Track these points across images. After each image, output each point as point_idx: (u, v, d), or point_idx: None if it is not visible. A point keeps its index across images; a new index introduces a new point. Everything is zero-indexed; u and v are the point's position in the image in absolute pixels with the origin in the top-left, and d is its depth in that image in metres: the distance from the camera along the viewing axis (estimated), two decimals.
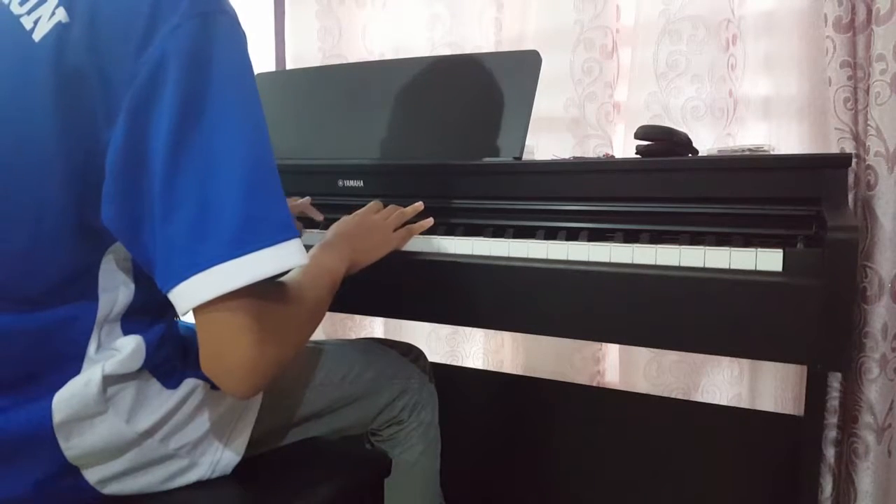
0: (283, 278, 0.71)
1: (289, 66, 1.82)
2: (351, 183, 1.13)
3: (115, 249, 0.66)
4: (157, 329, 0.71)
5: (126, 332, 0.69)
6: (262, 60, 1.89)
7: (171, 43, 0.58)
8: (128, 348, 0.67)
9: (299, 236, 0.62)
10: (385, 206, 1.00)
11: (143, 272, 0.63)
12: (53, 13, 0.60)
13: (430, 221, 1.00)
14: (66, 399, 0.65)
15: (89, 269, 0.66)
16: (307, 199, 1.12)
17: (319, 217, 1.11)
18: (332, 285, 0.78)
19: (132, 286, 0.69)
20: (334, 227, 0.91)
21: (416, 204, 1.01)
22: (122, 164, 0.59)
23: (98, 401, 0.66)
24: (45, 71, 0.59)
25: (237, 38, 0.63)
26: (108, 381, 0.66)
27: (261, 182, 0.61)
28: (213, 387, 0.77)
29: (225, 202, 0.58)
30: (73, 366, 0.66)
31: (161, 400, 0.72)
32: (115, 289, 0.67)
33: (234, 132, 0.60)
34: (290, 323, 0.66)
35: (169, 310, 0.72)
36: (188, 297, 0.58)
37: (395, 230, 0.96)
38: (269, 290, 0.64)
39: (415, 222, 0.99)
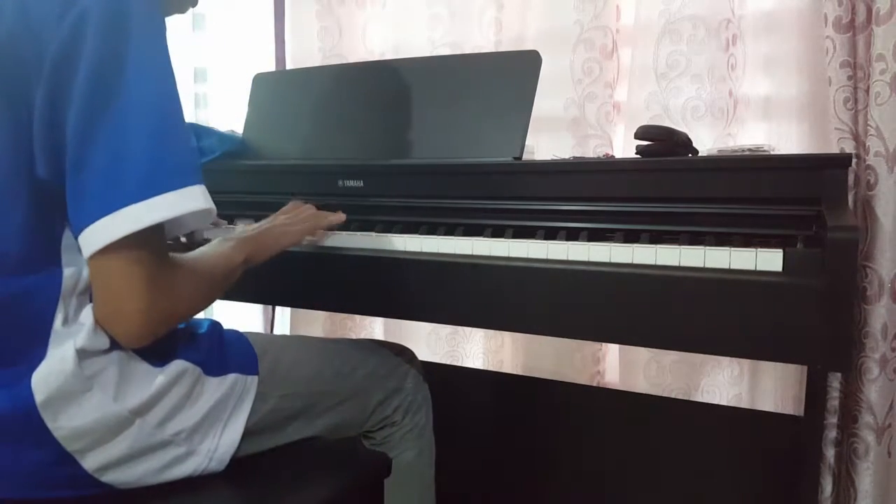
0: (182, 254, 0.77)
1: (289, 66, 1.82)
2: (351, 183, 1.13)
3: None
4: None
5: None
6: (262, 60, 1.89)
7: (92, 3, 0.62)
8: (88, 320, 0.68)
9: (203, 184, 0.67)
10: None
11: None
12: None
13: (341, 217, 1.04)
14: (45, 377, 0.67)
15: (51, 239, 0.68)
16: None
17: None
18: (225, 268, 0.81)
19: None
20: (242, 227, 0.96)
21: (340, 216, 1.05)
22: (46, 118, 0.63)
23: (78, 377, 0.67)
24: None
25: (154, 2, 0.67)
26: (83, 355, 0.67)
27: (168, 132, 0.66)
28: (207, 372, 0.79)
29: (134, 151, 0.63)
30: (40, 341, 0.68)
31: (148, 378, 0.73)
32: (79, 261, 0.69)
33: (146, 88, 0.65)
34: (181, 286, 0.71)
35: None
36: (98, 236, 0.62)
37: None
38: (166, 252, 0.69)
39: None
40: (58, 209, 0.67)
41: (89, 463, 0.71)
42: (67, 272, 0.69)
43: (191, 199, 0.65)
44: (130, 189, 0.63)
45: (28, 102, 0.64)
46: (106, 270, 0.65)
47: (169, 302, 0.68)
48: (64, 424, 0.68)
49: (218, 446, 0.79)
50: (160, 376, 0.74)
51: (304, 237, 1.00)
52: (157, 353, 0.74)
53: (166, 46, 0.68)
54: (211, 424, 0.79)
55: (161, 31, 0.68)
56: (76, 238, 0.64)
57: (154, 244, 0.66)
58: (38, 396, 0.66)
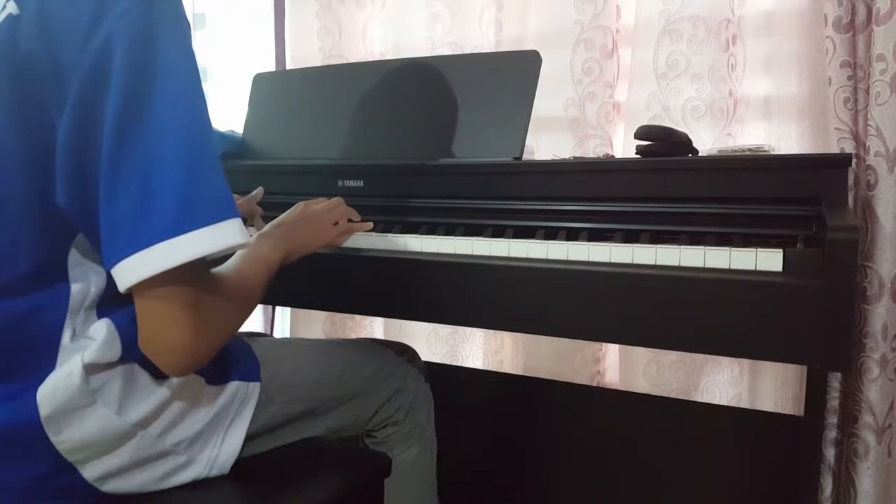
0: (221, 266, 0.74)
1: (289, 66, 1.82)
2: (351, 183, 1.13)
3: (82, 237, 0.67)
4: (129, 313, 0.70)
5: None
6: (262, 60, 1.89)
7: (118, 29, 0.60)
8: (101, 334, 0.68)
9: (239, 217, 0.64)
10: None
11: None
12: (4, 7, 0.62)
13: (369, 224, 1.04)
14: (51, 392, 0.66)
15: (58, 258, 0.67)
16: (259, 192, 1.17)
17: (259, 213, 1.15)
18: (267, 274, 0.80)
19: (103, 274, 0.69)
20: (276, 220, 0.93)
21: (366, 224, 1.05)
22: (71, 147, 0.61)
23: (83, 392, 0.67)
24: None
25: (180, 24, 0.65)
26: (90, 370, 0.67)
27: (200, 164, 0.63)
28: (209, 381, 0.78)
29: (166, 184, 0.61)
30: (48, 355, 0.67)
31: (151, 390, 0.72)
32: (87, 277, 0.68)
33: (176, 117, 0.62)
34: (226, 308, 0.69)
35: None
36: (130, 273, 0.60)
37: (336, 224, 0.99)
38: (207, 275, 0.67)
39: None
40: (67, 231, 0.66)
41: (89, 472, 0.70)
42: (75, 288, 0.68)
43: (226, 235, 0.62)
44: (162, 224, 0.60)
45: (47, 127, 0.61)
46: (149, 304, 0.62)
47: (215, 330, 0.66)
48: (66, 438, 0.67)
49: (219, 454, 0.79)
50: (163, 388, 0.73)
51: (341, 238, 1.00)
52: None
53: (195, 67, 0.65)
54: (212, 433, 0.79)
55: (188, 52, 0.65)
56: (108, 271, 0.62)
57: (195, 275, 0.63)
58: (43, 411, 0.66)
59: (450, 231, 1.01)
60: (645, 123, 1.10)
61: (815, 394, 1.14)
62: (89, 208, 0.62)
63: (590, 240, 0.92)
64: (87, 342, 0.68)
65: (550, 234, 0.95)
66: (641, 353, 1.48)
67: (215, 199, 0.63)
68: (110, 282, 0.69)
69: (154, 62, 0.61)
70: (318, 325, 1.89)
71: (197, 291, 0.64)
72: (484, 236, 0.97)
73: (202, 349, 0.65)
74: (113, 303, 0.70)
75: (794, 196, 0.86)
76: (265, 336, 1.14)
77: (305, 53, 1.77)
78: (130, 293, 0.62)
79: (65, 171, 0.62)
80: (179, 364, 0.65)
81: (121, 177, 0.60)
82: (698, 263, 0.81)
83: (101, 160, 0.60)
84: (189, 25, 0.66)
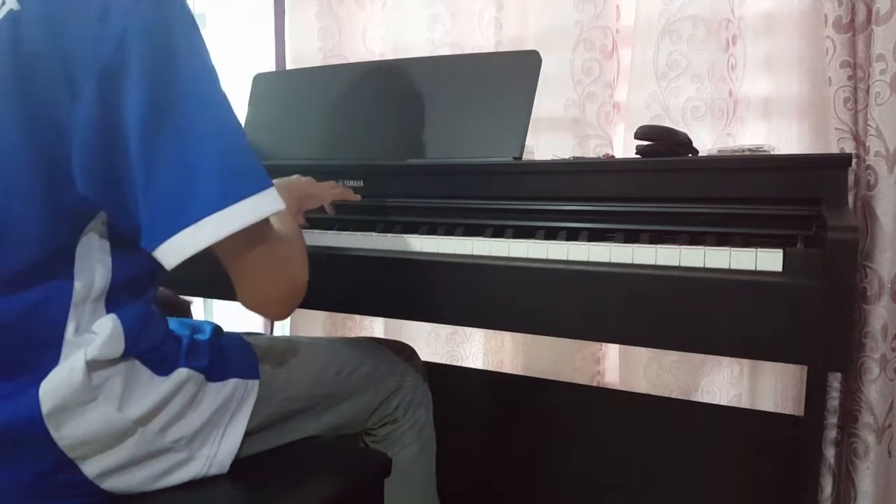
0: None
1: (289, 66, 1.82)
2: (351, 183, 1.13)
3: (92, 228, 0.67)
4: (134, 309, 0.71)
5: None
6: (262, 60, 1.89)
7: (133, 20, 0.60)
8: (105, 330, 0.68)
9: (273, 186, 0.66)
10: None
11: (121, 252, 0.67)
12: (4, 2, 0.62)
13: (357, 196, 1.11)
14: (53, 388, 0.66)
15: (65, 250, 0.67)
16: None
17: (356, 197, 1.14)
18: (297, 228, 0.85)
19: (109, 267, 0.69)
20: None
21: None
22: (99, 139, 0.61)
23: (85, 388, 0.67)
24: (2, 58, 0.61)
25: (188, 12, 0.66)
26: (93, 366, 0.67)
27: (232, 140, 0.65)
28: (208, 378, 0.78)
29: (203, 162, 0.62)
30: (51, 350, 0.67)
31: (152, 386, 0.72)
32: (91, 270, 0.68)
33: (203, 98, 0.64)
34: (298, 251, 0.75)
35: (147, 291, 0.74)
36: (178, 250, 0.62)
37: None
38: (272, 229, 0.70)
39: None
40: (78, 222, 0.66)
41: (89, 469, 0.70)
42: (79, 280, 0.67)
43: (268, 203, 0.65)
44: (208, 200, 0.62)
45: (55, 123, 0.61)
46: (240, 266, 0.66)
47: (303, 268, 0.72)
48: (67, 434, 0.68)
49: (217, 452, 0.79)
50: (163, 385, 0.73)
51: (332, 195, 1.07)
52: (161, 361, 0.73)
53: (207, 48, 0.66)
54: (211, 430, 0.79)
55: (200, 38, 0.66)
56: (150, 252, 0.63)
57: (266, 230, 0.67)
58: (45, 407, 0.66)
59: (450, 231, 1.01)
60: (645, 123, 1.10)
61: (815, 394, 1.14)
62: (122, 194, 0.63)
63: (590, 240, 0.92)
64: (91, 337, 0.68)
65: (550, 234, 0.95)
66: (641, 353, 1.47)
67: (253, 170, 0.65)
68: (117, 275, 0.70)
69: (173, 47, 0.62)
70: (318, 324, 1.89)
71: (277, 240, 0.69)
72: (484, 236, 0.97)
73: (301, 284, 0.71)
74: (121, 297, 0.70)
75: (794, 196, 0.86)
76: (265, 335, 1.14)
77: (305, 53, 1.77)
78: (148, 284, 0.63)
79: (93, 162, 0.62)
80: (287, 303, 0.71)
81: (157, 163, 0.61)
82: (698, 263, 0.81)
83: (133, 148, 0.61)
84: (193, 15, 0.67)
